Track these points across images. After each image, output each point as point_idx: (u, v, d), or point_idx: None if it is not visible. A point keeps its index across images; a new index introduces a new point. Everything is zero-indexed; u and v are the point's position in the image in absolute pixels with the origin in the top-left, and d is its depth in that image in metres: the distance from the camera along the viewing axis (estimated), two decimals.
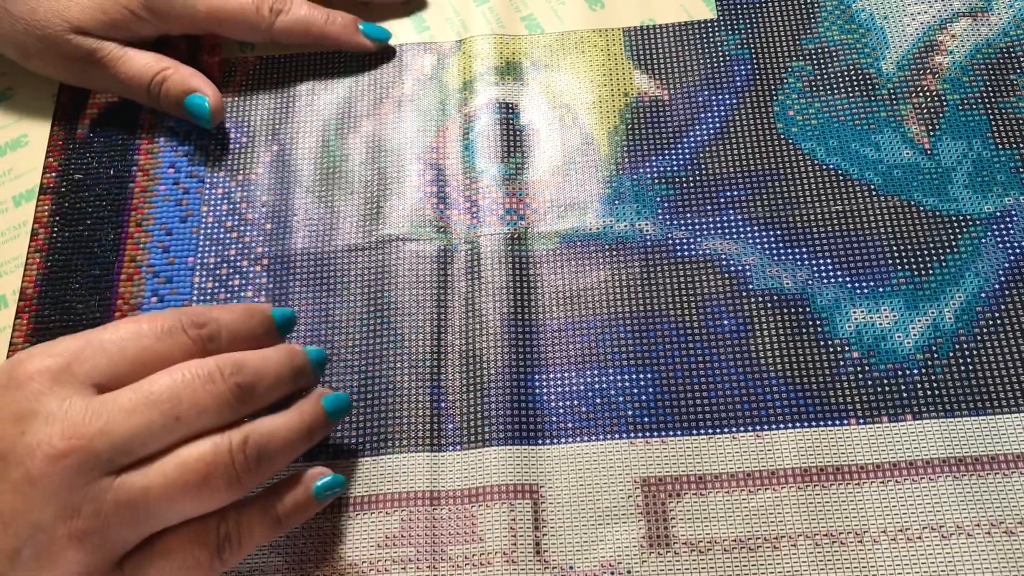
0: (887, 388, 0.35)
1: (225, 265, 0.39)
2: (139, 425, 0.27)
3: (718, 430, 0.34)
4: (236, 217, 0.40)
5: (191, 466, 0.27)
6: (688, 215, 0.38)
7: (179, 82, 0.40)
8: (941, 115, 0.40)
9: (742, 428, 0.34)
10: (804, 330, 0.36)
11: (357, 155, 0.41)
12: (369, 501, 0.34)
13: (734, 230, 0.38)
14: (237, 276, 0.38)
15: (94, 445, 0.26)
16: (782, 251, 0.37)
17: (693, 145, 0.40)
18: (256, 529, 0.29)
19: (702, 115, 0.40)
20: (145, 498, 0.27)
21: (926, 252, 0.37)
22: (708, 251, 0.38)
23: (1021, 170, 0.38)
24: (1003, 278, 0.36)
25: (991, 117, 0.39)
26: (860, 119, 0.40)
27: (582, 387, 0.35)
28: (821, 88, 0.40)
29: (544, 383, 0.36)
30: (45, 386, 0.27)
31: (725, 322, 0.36)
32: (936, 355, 0.35)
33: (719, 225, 0.38)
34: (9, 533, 0.26)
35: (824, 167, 0.39)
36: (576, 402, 0.35)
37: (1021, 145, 0.39)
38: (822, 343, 0.36)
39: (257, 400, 0.30)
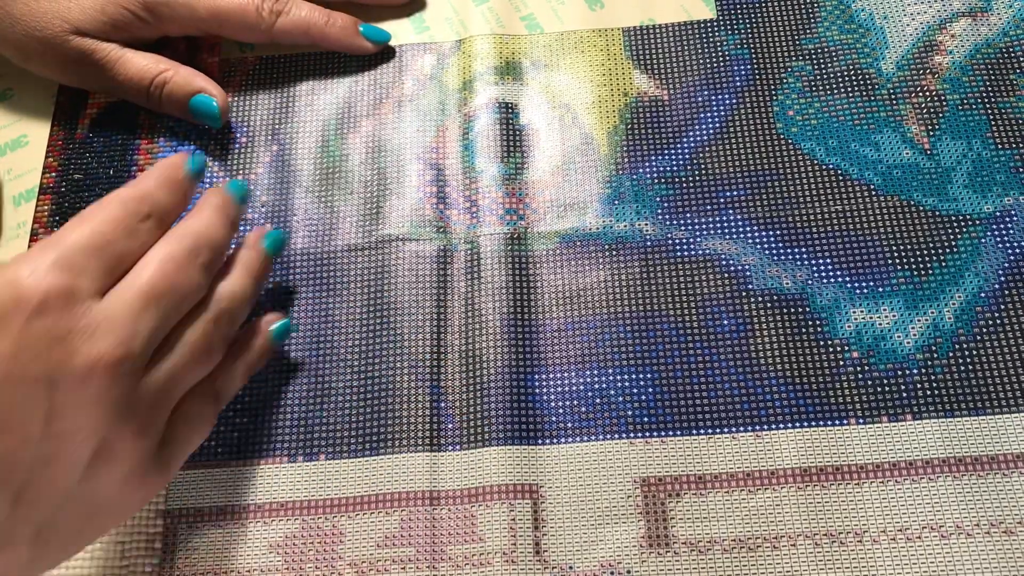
0: (887, 388, 0.35)
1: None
2: (155, 319, 0.29)
3: (718, 430, 0.34)
4: None
5: (196, 341, 0.31)
6: (688, 215, 0.38)
7: (182, 84, 0.40)
8: (941, 115, 0.40)
9: (742, 428, 0.34)
10: (804, 330, 0.36)
11: (357, 155, 0.41)
12: (369, 501, 0.34)
13: (734, 230, 0.38)
14: None
15: (134, 347, 0.28)
16: (782, 251, 0.37)
17: (693, 145, 0.40)
18: (236, 380, 0.34)
19: (702, 115, 0.40)
20: (172, 378, 0.30)
21: (926, 252, 0.37)
22: (708, 251, 0.38)
23: (1021, 170, 0.38)
24: (1003, 278, 0.36)
25: (991, 117, 0.39)
26: (860, 119, 0.40)
27: (582, 387, 0.35)
28: (821, 88, 0.40)
29: (544, 383, 0.36)
30: (64, 305, 0.27)
31: (725, 322, 0.36)
32: (936, 355, 0.35)
33: (719, 225, 0.38)
34: (77, 442, 0.27)
35: (824, 167, 0.39)
36: (576, 402, 0.35)
37: (1021, 145, 0.39)
38: (822, 343, 0.36)
39: (217, 267, 0.33)
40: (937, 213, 0.38)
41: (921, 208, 0.38)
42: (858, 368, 0.35)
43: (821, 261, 0.37)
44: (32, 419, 0.26)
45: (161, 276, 0.30)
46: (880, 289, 0.36)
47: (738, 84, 0.41)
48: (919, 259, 0.37)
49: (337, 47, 0.42)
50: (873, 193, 0.38)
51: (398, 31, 0.43)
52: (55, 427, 0.26)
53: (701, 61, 0.42)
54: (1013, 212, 0.37)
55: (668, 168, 0.39)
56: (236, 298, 0.33)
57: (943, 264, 0.37)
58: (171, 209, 0.33)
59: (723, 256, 0.38)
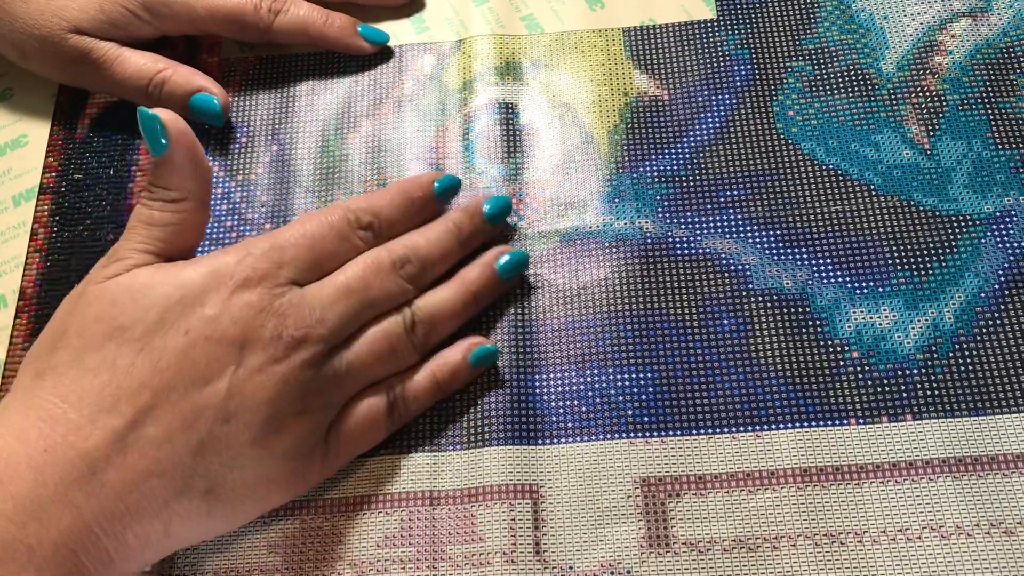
0: (887, 388, 0.35)
1: None
2: (344, 311, 0.32)
3: (718, 430, 0.34)
4: (236, 217, 0.40)
5: (380, 342, 0.33)
6: (688, 214, 0.38)
7: (181, 83, 0.40)
8: (941, 115, 0.40)
9: (742, 428, 0.34)
10: (804, 330, 0.36)
11: (357, 155, 0.41)
12: (369, 501, 0.34)
13: (734, 230, 0.38)
14: None
15: (317, 331, 0.31)
16: (782, 251, 0.37)
17: (693, 145, 0.40)
18: (420, 393, 0.34)
19: (702, 115, 0.40)
20: (349, 371, 0.32)
21: (926, 252, 0.37)
22: (708, 250, 0.38)
23: (1021, 170, 0.38)
24: (1003, 278, 0.36)
25: (991, 117, 0.39)
26: (860, 119, 0.40)
27: (582, 387, 0.35)
28: (821, 88, 0.40)
29: (544, 382, 0.36)
30: (264, 286, 0.31)
31: (725, 322, 0.36)
32: (936, 355, 0.35)
33: (719, 224, 0.38)
34: (253, 409, 0.30)
35: (824, 167, 0.39)
36: (576, 402, 0.35)
37: (1021, 145, 0.39)
38: (822, 343, 0.36)
39: (425, 280, 0.35)
40: (937, 213, 0.38)
41: (921, 208, 0.38)
42: (858, 368, 0.35)
43: (821, 261, 0.37)
44: (223, 376, 0.29)
45: (359, 276, 0.33)
46: (880, 289, 0.36)
47: (738, 84, 0.41)
48: (919, 259, 0.37)
49: (335, 47, 0.42)
50: (873, 193, 0.38)
51: (398, 31, 0.43)
52: (238, 387, 0.30)
53: (701, 61, 0.42)
54: (1013, 212, 0.37)
55: (668, 168, 0.39)
56: (437, 309, 0.35)
57: (943, 264, 0.37)
58: (394, 222, 0.36)
59: (723, 255, 0.37)
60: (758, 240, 0.38)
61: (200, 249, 0.39)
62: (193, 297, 0.30)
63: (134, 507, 0.28)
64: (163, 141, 0.31)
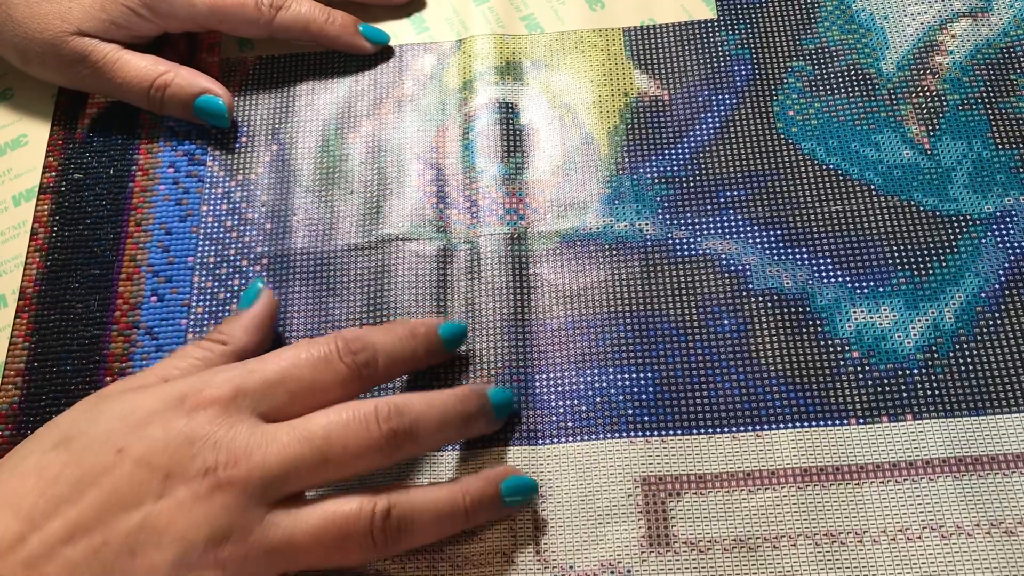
0: (887, 388, 0.35)
1: (225, 265, 0.39)
2: (291, 459, 0.28)
3: (718, 429, 0.34)
4: (236, 217, 0.40)
5: (333, 523, 0.28)
6: (688, 215, 0.38)
7: (185, 85, 0.40)
8: (941, 115, 0.40)
9: (742, 428, 0.34)
10: (804, 330, 0.36)
11: (357, 155, 0.41)
12: None
13: (734, 230, 0.38)
14: (237, 276, 0.38)
15: (252, 476, 0.28)
16: (782, 251, 0.37)
17: (693, 145, 0.40)
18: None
19: (702, 115, 0.40)
20: (287, 544, 0.28)
21: (926, 252, 0.37)
22: (708, 251, 0.38)
23: (1021, 170, 0.38)
24: (1003, 278, 0.36)
25: (991, 117, 0.39)
26: (860, 119, 0.40)
27: (582, 386, 0.35)
28: (821, 88, 0.40)
29: (544, 382, 0.36)
30: (218, 415, 0.29)
31: (725, 322, 0.36)
32: (936, 355, 0.35)
33: (719, 225, 0.38)
34: (161, 546, 0.27)
35: (824, 167, 0.39)
36: (576, 401, 0.35)
37: (1021, 145, 0.39)
38: (822, 343, 0.36)
39: (416, 447, 0.30)
40: (937, 213, 0.38)
41: (921, 208, 0.38)
42: (858, 368, 0.35)
43: (821, 261, 0.37)
44: (141, 505, 0.27)
45: (327, 421, 0.29)
46: (880, 289, 0.36)
47: (738, 84, 0.41)
48: (919, 259, 0.37)
49: (336, 45, 0.42)
50: (873, 193, 0.38)
51: (398, 31, 0.43)
52: (151, 520, 0.27)
53: (701, 61, 0.42)
54: (1013, 212, 0.37)
55: (668, 168, 0.39)
56: (423, 512, 0.30)
57: (943, 264, 0.37)
58: (390, 353, 0.32)
59: (723, 256, 0.37)
60: (758, 240, 0.38)
61: (202, 257, 0.39)
62: (143, 415, 0.29)
63: None
64: (250, 303, 0.34)
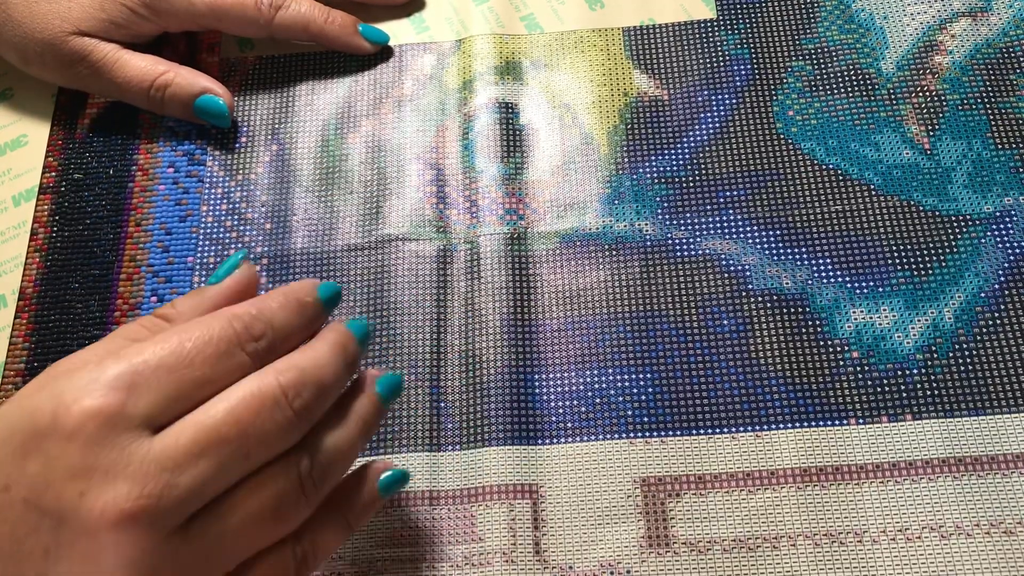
0: (887, 388, 0.35)
1: None
2: (208, 471, 0.24)
3: (718, 430, 0.34)
4: (236, 217, 0.40)
5: (263, 503, 0.25)
6: (688, 215, 0.38)
7: (185, 85, 0.40)
8: (941, 115, 0.39)
9: (742, 428, 0.34)
10: (804, 330, 0.36)
11: (357, 155, 0.41)
12: None
13: (734, 230, 0.38)
14: None
15: (163, 503, 0.23)
16: (782, 251, 0.37)
17: (693, 145, 0.40)
18: (329, 541, 0.28)
19: (702, 115, 0.40)
20: (221, 543, 0.25)
21: (926, 252, 0.37)
22: (708, 251, 0.38)
23: (1021, 170, 0.38)
24: (1003, 278, 0.36)
25: (991, 117, 0.39)
26: (860, 119, 0.40)
27: (582, 387, 0.35)
28: (821, 88, 0.40)
29: (543, 383, 0.36)
30: (99, 434, 0.23)
31: (725, 322, 0.36)
32: (936, 355, 0.35)
33: (719, 225, 0.38)
34: None
35: (824, 167, 0.39)
36: (575, 402, 0.35)
37: (1021, 145, 0.39)
38: (822, 343, 0.36)
39: (318, 414, 0.27)
40: (937, 213, 0.38)
41: (921, 208, 0.38)
42: (858, 368, 0.35)
43: (821, 261, 0.37)
44: (32, 553, 0.23)
45: (233, 417, 0.25)
46: (880, 289, 0.36)
47: (738, 84, 0.41)
48: (919, 259, 0.37)
49: (335, 45, 0.42)
50: (873, 193, 0.38)
51: (398, 31, 0.43)
52: (51, 570, 0.23)
53: (701, 61, 0.42)
54: (1013, 212, 0.37)
55: (668, 168, 0.39)
56: (338, 450, 0.27)
57: (943, 264, 0.37)
58: (289, 334, 0.28)
59: (723, 256, 0.37)
60: (758, 240, 0.38)
61: (202, 257, 0.39)
62: (21, 439, 0.24)
63: None
64: (221, 277, 0.29)
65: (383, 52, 0.43)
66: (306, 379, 0.26)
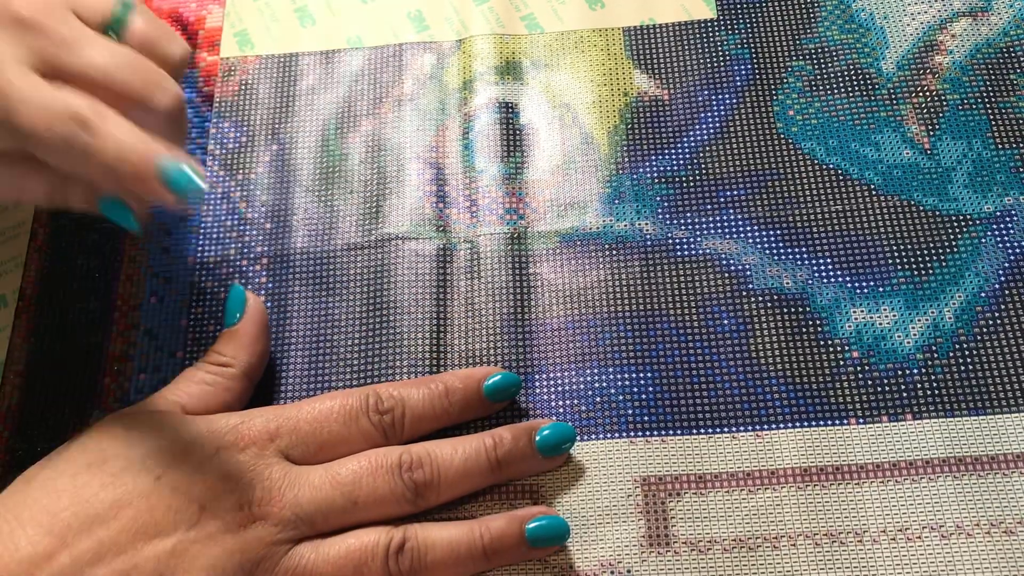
0: (887, 388, 0.35)
1: (225, 265, 0.39)
2: (322, 501, 0.30)
3: (718, 429, 0.34)
4: (236, 217, 0.40)
5: (351, 554, 0.30)
6: (688, 215, 0.38)
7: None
8: (941, 115, 0.40)
9: (742, 427, 0.34)
10: (804, 330, 0.36)
11: (357, 154, 0.41)
12: None
13: (734, 230, 0.38)
14: (237, 276, 0.38)
15: (284, 513, 0.29)
16: (782, 251, 0.37)
17: (693, 145, 0.40)
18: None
19: (702, 115, 0.40)
20: (309, 570, 0.29)
21: (926, 252, 0.37)
22: (708, 251, 0.38)
23: (1021, 170, 0.38)
24: (1003, 278, 0.36)
25: (991, 117, 0.39)
26: (860, 119, 0.40)
27: (582, 386, 0.35)
28: (821, 88, 0.40)
29: (543, 382, 0.36)
30: (254, 454, 0.30)
31: (725, 321, 0.36)
32: (936, 355, 0.35)
33: (719, 225, 0.38)
34: (191, 572, 0.28)
35: (824, 167, 0.39)
36: (575, 401, 0.35)
37: (1021, 145, 0.39)
38: (822, 343, 0.36)
39: (438, 495, 0.31)
40: (937, 213, 0.38)
41: (921, 208, 0.38)
42: (858, 368, 0.35)
43: (821, 261, 0.37)
44: (174, 532, 0.28)
45: (357, 467, 0.31)
46: (880, 289, 0.36)
47: (738, 84, 0.41)
48: (919, 259, 0.37)
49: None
50: (873, 193, 0.38)
51: (399, 30, 0.43)
52: (182, 548, 0.28)
53: (701, 61, 0.42)
54: (1013, 212, 0.37)
55: (668, 168, 0.39)
56: (436, 547, 0.31)
57: (943, 264, 0.37)
58: (421, 416, 0.33)
59: (723, 256, 0.37)
60: (758, 240, 0.38)
61: (202, 257, 0.39)
62: (180, 447, 0.30)
63: None
64: (238, 316, 0.34)
65: (383, 52, 0.43)
66: (426, 461, 0.31)
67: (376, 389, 0.33)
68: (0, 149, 0.30)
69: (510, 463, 0.32)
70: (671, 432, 0.34)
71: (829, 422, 0.34)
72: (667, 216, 0.38)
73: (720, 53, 0.42)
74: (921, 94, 0.40)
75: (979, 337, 0.35)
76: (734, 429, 0.34)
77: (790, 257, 0.37)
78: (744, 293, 0.37)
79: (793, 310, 0.36)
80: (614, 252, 0.38)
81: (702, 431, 0.34)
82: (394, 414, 0.32)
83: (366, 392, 0.32)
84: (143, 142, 0.28)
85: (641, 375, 0.36)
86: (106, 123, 0.28)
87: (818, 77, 0.41)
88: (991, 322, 0.35)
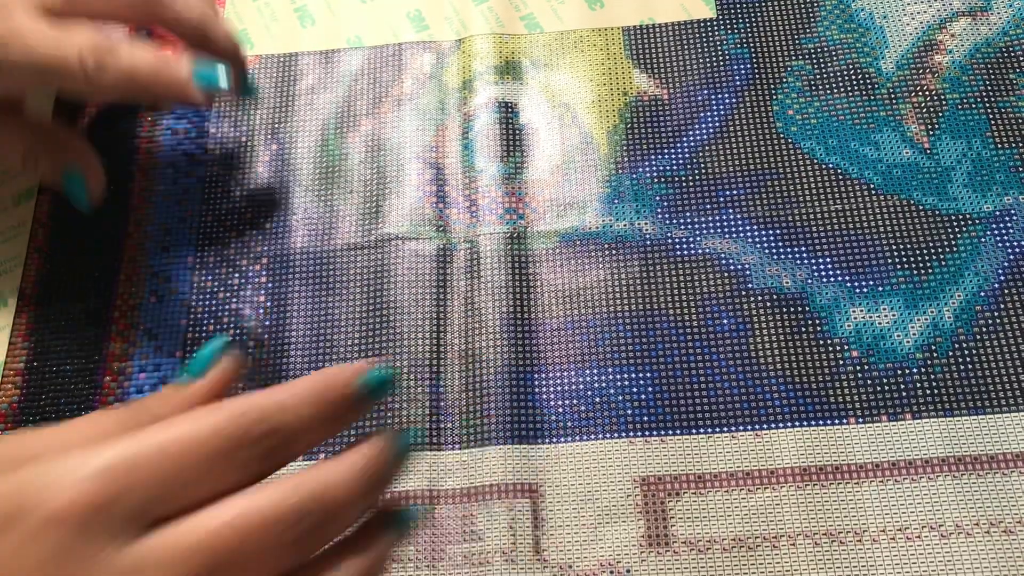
0: (886, 387, 0.35)
1: (225, 264, 0.39)
2: None
3: (717, 429, 0.34)
4: (235, 217, 0.40)
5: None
6: (687, 214, 0.38)
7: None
8: (940, 114, 0.40)
9: (741, 427, 0.34)
10: (803, 329, 0.36)
11: (356, 154, 0.41)
12: None
13: (733, 229, 0.38)
14: (237, 275, 0.38)
15: None
16: (781, 250, 0.37)
17: (692, 144, 0.40)
18: None
19: (701, 114, 0.40)
20: None
21: (926, 251, 0.37)
22: (707, 250, 0.38)
23: (1020, 169, 0.38)
24: (1002, 277, 0.36)
25: (990, 116, 0.39)
26: (860, 118, 0.40)
27: (581, 386, 0.36)
28: (820, 87, 0.40)
29: (543, 382, 0.36)
30: (71, 536, 0.20)
31: (724, 321, 0.36)
32: (935, 354, 0.35)
33: (718, 224, 0.38)
34: None
35: (823, 166, 0.39)
36: (575, 401, 0.35)
37: (1020, 144, 0.39)
38: (821, 342, 0.36)
39: (323, 542, 0.24)
40: (937, 212, 0.38)
41: (921, 207, 0.38)
42: (858, 367, 0.35)
43: (821, 260, 0.37)
44: None
45: (231, 531, 0.21)
46: (880, 288, 0.36)
47: (738, 83, 0.41)
48: (919, 258, 0.37)
49: (167, 97, 0.34)
50: (873, 192, 0.38)
51: (398, 30, 0.43)
52: None
53: (701, 60, 0.42)
54: (1013, 211, 0.37)
55: (668, 167, 0.39)
56: None
57: (943, 263, 0.37)
58: (296, 437, 0.24)
59: (723, 255, 0.38)
60: (758, 239, 0.38)
61: (202, 257, 0.39)
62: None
63: None
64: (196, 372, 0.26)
65: (383, 51, 0.43)
66: (316, 503, 0.23)
67: (243, 410, 0.23)
68: None
69: (383, 481, 0.25)
70: (670, 432, 0.34)
71: (828, 421, 0.34)
72: (666, 216, 0.38)
73: (719, 53, 0.42)
74: (920, 94, 0.40)
75: (978, 336, 0.35)
76: (733, 429, 0.34)
77: (789, 256, 0.37)
78: (743, 293, 0.37)
79: (792, 309, 0.36)
80: (614, 252, 0.38)
81: (701, 431, 0.34)
82: (280, 438, 0.24)
83: (229, 415, 0.23)
84: (161, 56, 0.33)
85: (640, 375, 0.36)
86: (123, 44, 0.33)
87: (817, 77, 0.41)
88: (990, 321, 0.35)
